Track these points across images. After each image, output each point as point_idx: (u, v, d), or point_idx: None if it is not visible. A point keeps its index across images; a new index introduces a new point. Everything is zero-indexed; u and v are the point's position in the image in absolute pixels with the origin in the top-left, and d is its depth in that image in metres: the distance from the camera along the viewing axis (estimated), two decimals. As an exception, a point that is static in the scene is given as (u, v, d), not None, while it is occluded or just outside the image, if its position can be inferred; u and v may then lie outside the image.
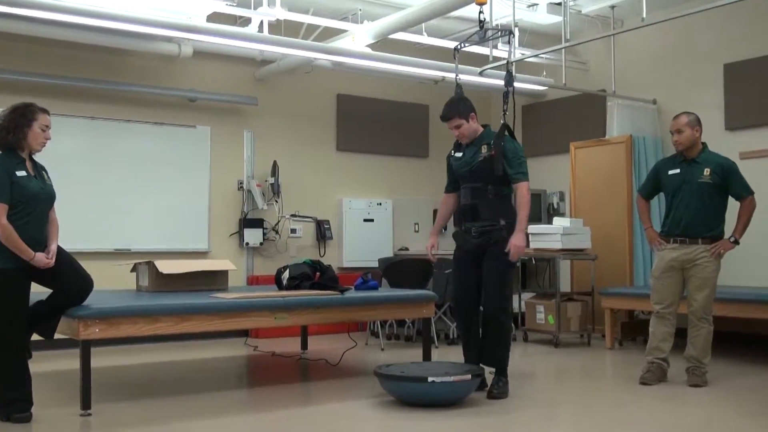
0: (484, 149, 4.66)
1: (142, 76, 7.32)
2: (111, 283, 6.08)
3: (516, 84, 7.87)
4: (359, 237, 8.44)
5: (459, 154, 4.80)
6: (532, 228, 7.32)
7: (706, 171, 4.97)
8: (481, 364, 4.71)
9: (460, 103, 4.74)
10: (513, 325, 7.13)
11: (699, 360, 4.99)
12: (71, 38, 6.56)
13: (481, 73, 7.21)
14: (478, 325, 4.80)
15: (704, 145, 5.09)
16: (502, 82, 7.41)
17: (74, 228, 6.82)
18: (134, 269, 5.66)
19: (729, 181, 4.97)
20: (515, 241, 4.54)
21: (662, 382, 5.05)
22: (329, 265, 5.60)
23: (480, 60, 7.35)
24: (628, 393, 4.86)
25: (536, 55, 7.43)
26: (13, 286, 3.95)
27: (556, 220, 7.42)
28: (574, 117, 8.38)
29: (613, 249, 7.35)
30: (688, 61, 7.47)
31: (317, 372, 5.74)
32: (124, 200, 7.18)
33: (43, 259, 3.99)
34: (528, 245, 7.33)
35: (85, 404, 4.17)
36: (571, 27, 7.03)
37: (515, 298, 7.56)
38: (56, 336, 4.63)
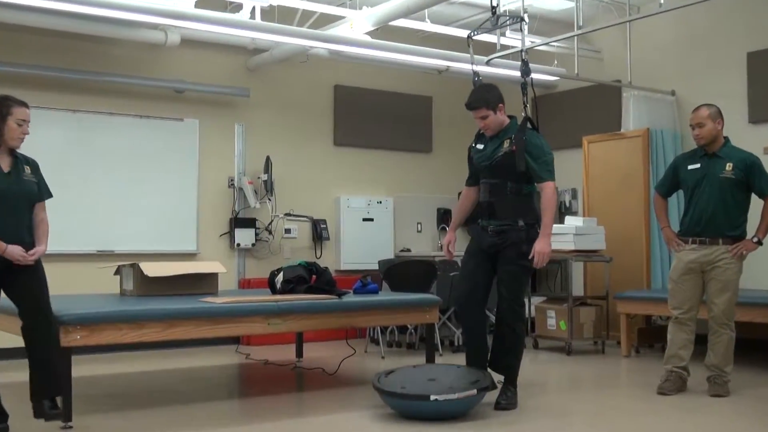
0: (506, 144, 4.62)
1: (126, 66, 7.32)
2: (93, 286, 6.08)
3: (526, 74, 7.87)
4: (358, 237, 8.44)
5: (480, 146, 4.77)
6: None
7: (729, 166, 4.97)
8: (489, 369, 4.71)
9: (488, 92, 4.68)
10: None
11: (720, 368, 5.00)
12: (50, 25, 6.55)
13: (488, 63, 7.20)
14: (483, 327, 4.79)
15: (726, 139, 5.10)
16: (510, 72, 7.49)
17: (54, 228, 6.78)
18: (118, 272, 5.66)
19: (752, 177, 4.97)
20: (540, 248, 4.49)
21: (681, 392, 5.06)
22: (326, 268, 5.60)
23: (486, 48, 7.35)
24: (645, 403, 4.86)
25: (547, 44, 7.42)
26: None
27: (568, 219, 7.42)
28: (587, 109, 8.38)
29: (629, 250, 7.34)
30: (709, 49, 7.47)
31: (313, 382, 5.74)
32: (107, 198, 7.18)
33: (17, 251, 3.97)
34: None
35: (66, 416, 4.16)
36: (584, 13, 7.03)
37: (525, 302, 7.55)
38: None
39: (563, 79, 8.26)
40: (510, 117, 4.74)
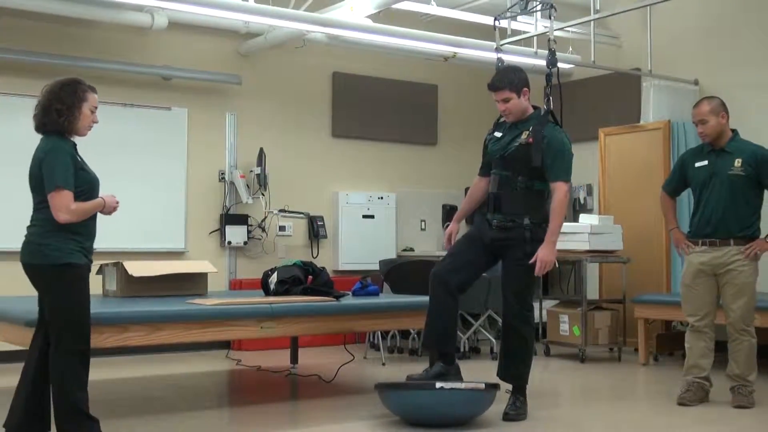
0: (524, 135, 4.61)
1: (108, 51, 7.32)
2: (74, 287, 6.09)
3: (538, 61, 7.87)
4: (357, 236, 8.45)
5: (498, 134, 4.76)
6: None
7: (737, 162, 4.99)
8: (497, 377, 4.72)
9: (514, 74, 4.67)
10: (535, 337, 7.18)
11: (743, 377, 5.01)
12: (26, 6, 6.55)
13: (498, 49, 7.20)
14: (452, 309, 4.65)
15: (734, 132, 5.12)
16: (523, 59, 7.48)
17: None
18: (100, 271, 5.67)
19: (764, 172, 4.98)
20: (542, 255, 4.45)
21: (703, 403, 5.07)
22: (323, 268, 5.63)
23: (499, 34, 7.34)
24: (665, 416, 4.87)
25: (561, 29, 7.41)
26: (86, 285, 3.90)
27: (582, 217, 7.43)
28: (603, 100, 8.38)
29: (648, 250, 7.35)
30: (735, 35, 7.46)
31: (309, 390, 5.76)
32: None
33: (113, 200, 4.05)
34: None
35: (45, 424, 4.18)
36: (601, -4, 7.02)
37: (536, 306, 7.55)
38: (13, 347, 4.64)
39: (579, 66, 8.26)
40: (534, 107, 4.74)
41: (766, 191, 5.07)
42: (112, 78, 7.34)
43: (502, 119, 4.78)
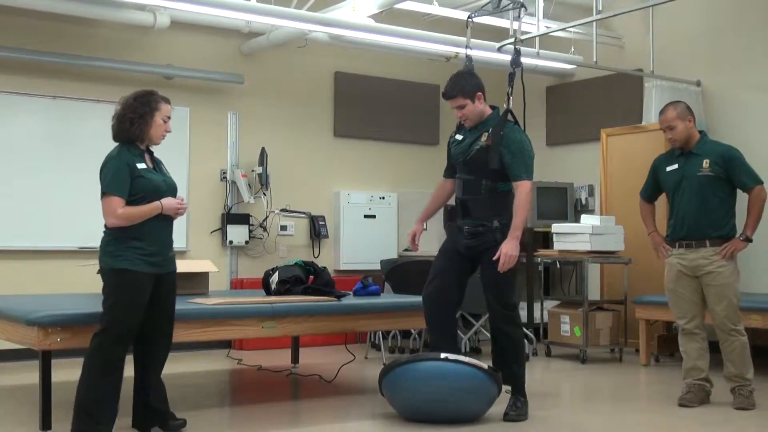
0: (483, 137, 4.66)
1: (111, 50, 7.33)
2: (75, 286, 6.10)
3: (540, 62, 7.88)
4: (359, 235, 8.45)
5: (460, 137, 4.82)
6: (557, 227, 7.34)
7: (705, 163, 5.01)
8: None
9: (465, 80, 4.73)
10: (532, 336, 7.18)
11: (742, 376, 5.01)
12: (29, 5, 6.56)
13: (499, 49, 7.20)
14: (452, 330, 4.77)
15: (702, 133, 5.16)
16: (523, 59, 7.46)
17: (33, 223, 6.84)
18: (101, 271, 5.67)
19: (732, 171, 5.00)
20: (506, 249, 4.48)
21: (704, 404, 5.07)
22: (324, 268, 5.63)
23: (501, 34, 7.35)
24: (665, 416, 4.87)
25: (563, 29, 7.42)
26: (137, 292, 4.04)
27: (584, 218, 7.42)
28: (606, 100, 8.38)
29: (650, 251, 7.25)
30: (738, 36, 7.46)
31: (310, 389, 5.76)
32: (91, 191, 7.08)
33: (173, 202, 4.15)
34: (542, 249, 7.34)
35: (46, 424, 4.20)
36: (603, -4, 7.02)
37: (537, 306, 7.58)
38: (13, 346, 4.65)
39: (581, 67, 8.26)
40: (492, 107, 4.78)
41: (738, 190, 5.07)
42: (113, 77, 7.34)
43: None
